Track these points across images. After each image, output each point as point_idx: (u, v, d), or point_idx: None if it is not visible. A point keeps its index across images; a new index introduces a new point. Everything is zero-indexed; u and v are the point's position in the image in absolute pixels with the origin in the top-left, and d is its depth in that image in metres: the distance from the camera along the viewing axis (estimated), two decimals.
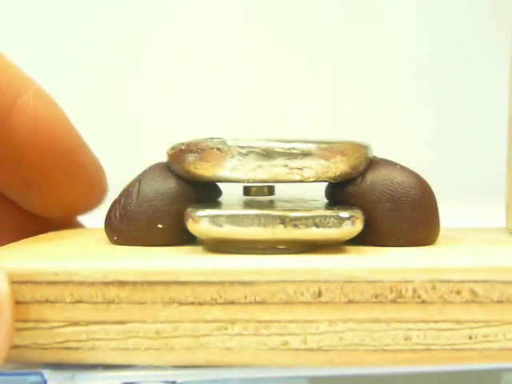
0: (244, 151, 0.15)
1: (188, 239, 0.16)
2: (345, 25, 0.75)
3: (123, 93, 0.71)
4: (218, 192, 0.18)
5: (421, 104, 0.74)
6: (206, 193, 0.17)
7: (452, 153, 0.72)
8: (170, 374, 0.14)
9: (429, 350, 0.14)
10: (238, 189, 0.17)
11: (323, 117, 0.70)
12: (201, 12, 0.75)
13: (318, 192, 0.18)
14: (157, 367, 0.14)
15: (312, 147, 0.15)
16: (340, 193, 0.17)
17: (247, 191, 0.17)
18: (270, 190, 0.17)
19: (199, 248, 0.16)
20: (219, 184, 0.18)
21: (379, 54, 0.75)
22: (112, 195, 0.18)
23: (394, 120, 0.73)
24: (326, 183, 0.17)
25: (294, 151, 0.15)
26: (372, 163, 0.17)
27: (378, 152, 0.17)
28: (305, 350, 0.14)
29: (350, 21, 0.76)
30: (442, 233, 0.17)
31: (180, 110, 0.70)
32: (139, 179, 0.17)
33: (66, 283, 0.14)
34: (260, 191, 0.17)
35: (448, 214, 0.18)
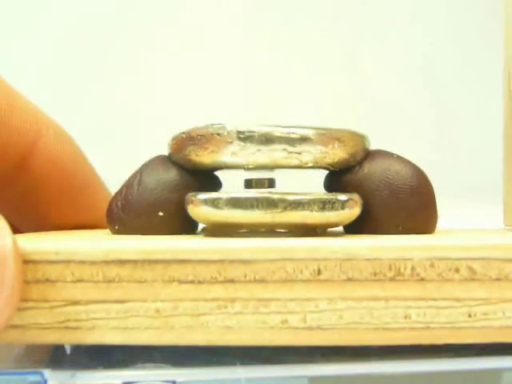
0: (243, 136, 0.15)
1: (189, 227, 0.16)
2: (345, 25, 0.76)
3: (124, 88, 0.72)
4: (218, 183, 0.18)
5: (420, 104, 0.75)
6: (206, 182, 0.17)
7: (450, 153, 0.72)
8: (170, 374, 0.14)
9: (428, 328, 0.14)
10: (239, 182, 0.18)
11: (323, 116, 0.70)
12: (201, 9, 0.76)
13: (316, 186, 0.18)
14: (157, 366, 0.14)
15: (310, 132, 0.16)
16: (338, 181, 0.17)
17: (248, 184, 0.17)
18: (270, 183, 0.18)
19: (200, 235, 0.16)
20: (220, 177, 0.18)
21: (379, 54, 0.76)
22: (114, 190, 0.18)
23: (392, 119, 0.73)
24: (325, 175, 0.18)
25: (292, 136, 0.15)
26: (369, 153, 0.17)
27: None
28: (304, 328, 0.14)
29: (350, 21, 0.76)
30: (440, 229, 0.17)
31: (180, 108, 0.70)
32: (140, 170, 0.17)
33: (67, 262, 0.14)
34: (260, 184, 0.17)
35: (445, 214, 0.18)
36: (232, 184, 0.18)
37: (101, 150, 0.21)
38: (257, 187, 0.17)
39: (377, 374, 0.14)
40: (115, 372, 0.14)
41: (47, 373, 0.14)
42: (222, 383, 0.14)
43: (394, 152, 0.18)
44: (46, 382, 0.14)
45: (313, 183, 0.18)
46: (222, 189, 0.18)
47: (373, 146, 0.17)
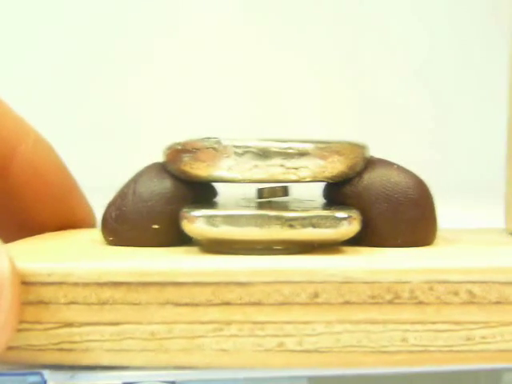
0: (240, 151, 0.15)
1: (184, 240, 0.16)
2: (345, 25, 0.75)
3: (120, 94, 0.71)
4: (214, 192, 0.18)
5: (420, 104, 0.74)
6: (201, 193, 0.17)
7: (450, 153, 0.72)
8: (170, 374, 0.14)
9: (426, 351, 0.14)
10: (235, 189, 0.17)
11: (322, 116, 0.70)
12: (200, 12, 0.75)
13: (315, 192, 0.18)
14: (155, 368, 0.14)
15: (308, 147, 0.15)
16: (337, 193, 0.16)
17: (260, 194, 0.17)
18: (285, 191, 0.17)
19: (195, 249, 0.16)
20: (216, 184, 0.18)
21: (379, 54, 0.75)
22: (108, 196, 0.18)
23: (392, 119, 0.73)
24: (324, 183, 0.17)
25: (290, 151, 0.15)
26: (369, 163, 0.16)
27: (376, 152, 0.17)
28: (301, 351, 0.14)
29: (350, 21, 0.75)
30: (439, 233, 0.17)
31: (178, 111, 0.70)
32: (135, 179, 0.17)
33: (60, 284, 0.13)
34: (273, 193, 0.17)
35: (447, 214, 0.18)
36: (228, 190, 0.18)
37: (97, 152, 0.21)
38: (270, 196, 0.17)
39: (377, 374, 0.14)
40: (115, 372, 0.14)
41: (47, 373, 0.14)
42: (221, 383, 0.14)
43: (394, 152, 0.18)
44: (45, 382, 0.14)
45: (311, 189, 0.18)
46: (218, 196, 0.18)
47: (373, 147, 0.17)
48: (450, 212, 0.20)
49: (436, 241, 0.17)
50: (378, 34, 0.76)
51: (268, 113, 0.71)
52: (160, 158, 0.17)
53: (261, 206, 0.16)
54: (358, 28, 0.76)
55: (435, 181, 0.18)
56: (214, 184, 0.18)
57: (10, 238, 0.20)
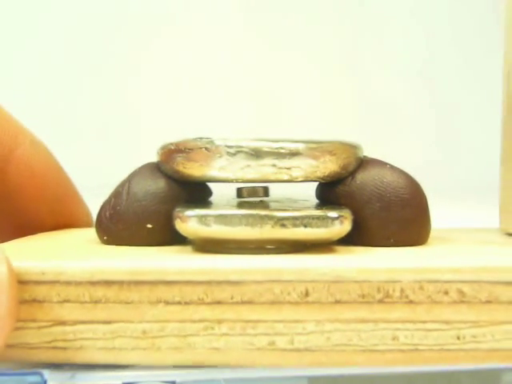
0: (232, 151, 0.15)
1: (178, 239, 0.16)
2: (344, 25, 0.75)
3: (116, 94, 0.71)
4: (208, 192, 0.18)
5: (420, 104, 0.74)
6: (195, 193, 0.17)
7: (450, 153, 0.72)
8: (170, 374, 0.14)
9: (416, 350, 0.14)
10: (229, 189, 0.17)
11: (323, 117, 0.70)
12: (200, 12, 0.75)
13: (308, 192, 0.18)
14: (155, 367, 0.14)
15: (300, 147, 0.15)
16: (330, 193, 0.16)
17: (240, 193, 0.17)
18: (265, 192, 0.17)
19: (188, 248, 0.16)
20: (210, 184, 0.18)
21: (379, 54, 0.75)
22: (104, 195, 0.18)
23: (392, 119, 0.73)
24: (317, 183, 0.17)
25: (282, 151, 0.15)
26: (362, 163, 0.17)
27: (375, 152, 0.17)
28: (292, 350, 0.14)
29: (350, 21, 0.75)
30: (433, 233, 0.17)
31: (174, 111, 0.70)
32: (129, 179, 0.17)
33: (53, 283, 0.14)
34: (254, 193, 0.17)
35: (444, 214, 0.18)
36: (222, 190, 0.18)
37: (93, 151, 0.21)
38: (249, 196, 0.17)
39: (377, 374, 0.14)
40: (115, 372, 0.14)
41: (47, 373, 0.14)
42: (222, 383, 0.14)
43: (394, 152, 0.18)
44: (45, 382, 0.14)
45: (304, 189, 0.18)
46: (213, 196, 0.18)
47: (372, 147, 0.17)
48: (447, 212, 0.20)
49: (429, 240, 0.17)
50: (378, 34, 0.76)
51: (268, 113, 0.71)
52: (154, 157, 0.17)
53: (253, 205, 0.16)
54: (357, 28, 0.76)
55: (433, 180, 0.18)
56: (208, 184, 0.18)
57: (7, 239, 0.20)
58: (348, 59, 0.75)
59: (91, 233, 0.18)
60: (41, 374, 0.14)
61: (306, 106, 0.72)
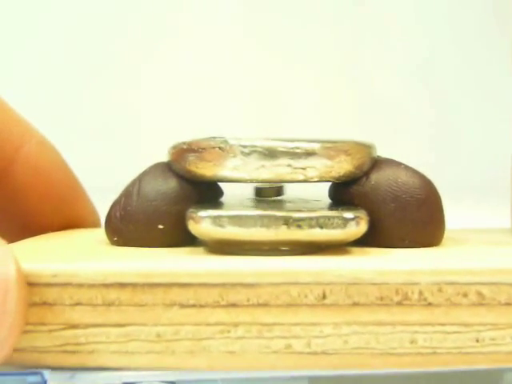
0: (246, 150, 0.15)
1: (189, 240, 0.16)
2: (344, 25, 0.75)
3: (125, 92, 0.71)
4: (220, 192, 0.18)
5: (420, 104, 0.74)
6: (207, 193, 0.17)
7: (450, 153, 0.72)
8: (170, 374, 0.14)
9: (435, 353, 0.13)
10: (241, 189, 0.17)
11: (322, 117, 0.70)
12: (201, 12, 0.75)
13: (321, 192, 0.18)
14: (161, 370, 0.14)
15: (316, 146, 0.15)
16: (344, 193, 0.16)
17: (258, 193, 0.17)
18: (279, 191, 0.17)
19: (201, 249, 0.16)
20: (221, 184, 0.18)
21: (379, 54, 0.75)
22: (113, 195, 0.17)
23: (393, 120, 0.73)
24: (330, 183, 0.17)
25: (297, 151, 0.15)
26: (376, 163, 0.16)
27: (378, 152, 0.17)
28: (309, 353, 0.13)
29: (350, 21, 0.75)
30: (447, 234, 0.17)
31: (182, 110, 0.70)
32: (139, 179, 0.17)
33: (65, 285, 0.13)
34: (270, 192, 0.17)
35: (454, 214, 0.18)
36: (233, 190, 0.18)
37: (102, 151, 0.21)
38: (266, 196, 0.17)
39: (377, 374, 0.14)
40: (115, 372, 0.14)
41: (47, 373, 0.14)
42: (221, 383, 0.14)
43: (395, 151, 0.18)
44: (45, 382, 0.14)
45: (316, 189, 0.18)
46: (224, 196, 0.18)
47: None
48: (456, 212, 0.20)
49: (443, 241, 0.17)
50: (378, 33, 0.75)
51: (268, 113, 0.71)
52: (163, 157, 0.17)
53: (267, 206, 0.16)
54: (357, 28, 0.76)
55: (440, 181, 0.18)
56: (220, 184, 0.17)
57: (13, 239, 0.20)
58: (348, 59, 0.75)
59: (100, 233, 0.17)
60: (41, 374, 0.14)
61: (306, 106, 0.72)
